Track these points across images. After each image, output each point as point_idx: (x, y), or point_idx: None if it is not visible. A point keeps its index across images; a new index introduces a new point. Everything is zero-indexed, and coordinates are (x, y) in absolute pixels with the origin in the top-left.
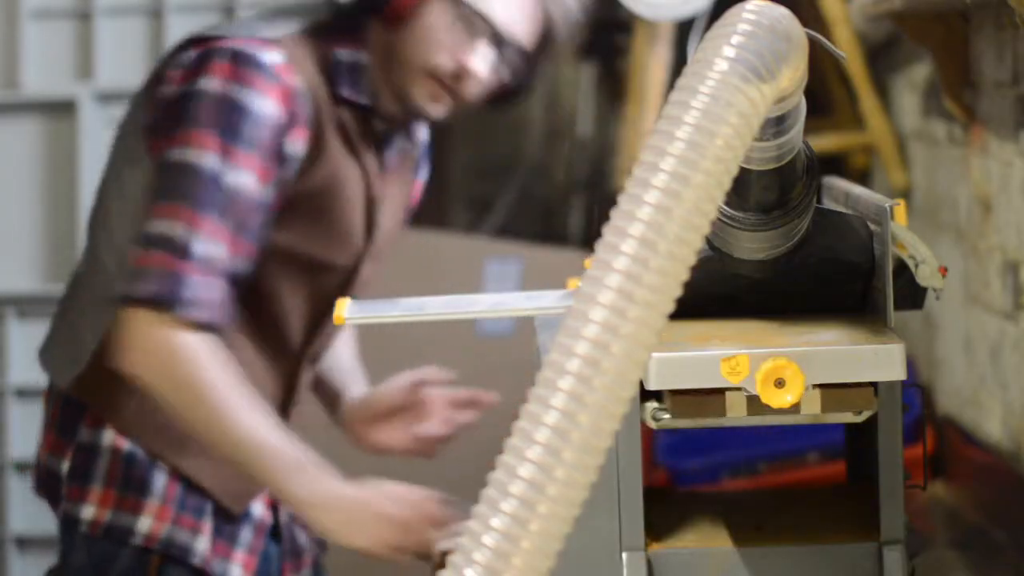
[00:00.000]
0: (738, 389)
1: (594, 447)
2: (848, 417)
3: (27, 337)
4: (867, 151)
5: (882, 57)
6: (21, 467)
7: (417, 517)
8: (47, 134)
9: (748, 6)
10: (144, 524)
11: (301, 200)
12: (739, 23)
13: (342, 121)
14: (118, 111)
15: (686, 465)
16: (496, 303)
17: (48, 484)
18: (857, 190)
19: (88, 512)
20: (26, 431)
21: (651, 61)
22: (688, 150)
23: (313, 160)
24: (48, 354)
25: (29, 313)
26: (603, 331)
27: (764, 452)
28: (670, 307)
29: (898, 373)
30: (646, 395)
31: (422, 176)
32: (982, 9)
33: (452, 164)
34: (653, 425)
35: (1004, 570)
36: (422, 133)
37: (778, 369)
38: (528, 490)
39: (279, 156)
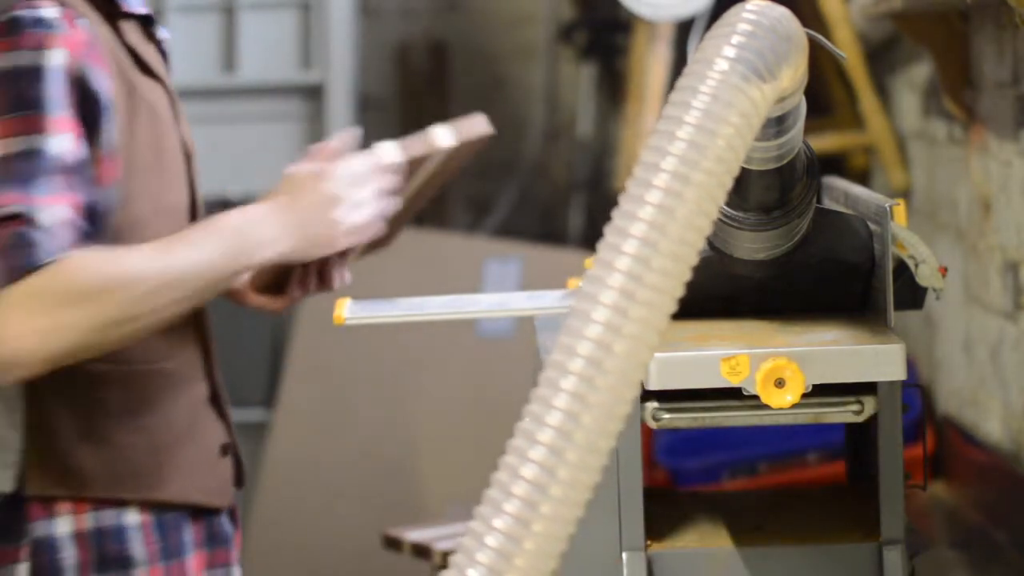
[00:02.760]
0: None
1: (597, 447)
2: (848, 417)
3: None
4: (867, 151)
5: (882, 57)
6: None
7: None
8: None
9: (748, 6)
10: None
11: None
12: (739, 23)
13: (129, 43)
14: None
15: (686, 465)
16: (496, 303)
17: None
18: (857, 190)
19: None
20: None
21: (651, 61)
22: (689, 150)
23: (128, 101)
24: None
25: None
26: (606, 331)
27: (764, 452)
28: (672, 306)
29: (898, 373)
30: (646, 395)
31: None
32: (982, 9)
33: None
34: (653, 425)
35: (1004, 570)
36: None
37: (778, 369)
38: (531, 490)
39: (91, 104)
